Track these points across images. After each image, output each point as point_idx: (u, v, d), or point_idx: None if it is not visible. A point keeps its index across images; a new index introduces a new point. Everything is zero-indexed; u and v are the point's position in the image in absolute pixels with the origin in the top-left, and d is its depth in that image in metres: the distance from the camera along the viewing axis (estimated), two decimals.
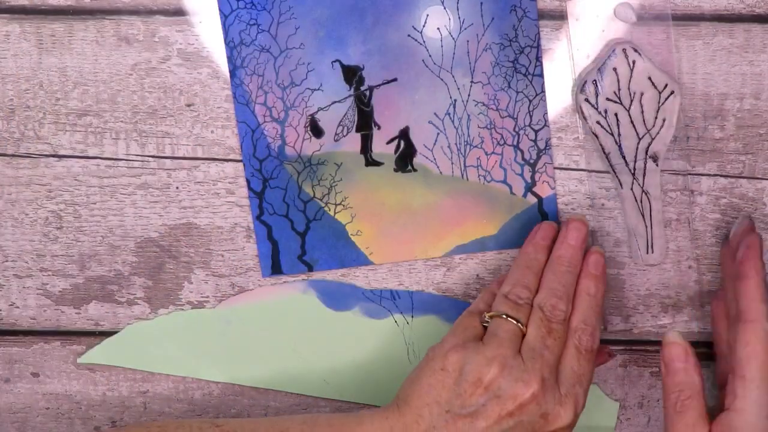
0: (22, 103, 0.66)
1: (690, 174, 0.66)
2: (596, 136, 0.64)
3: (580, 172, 0.66)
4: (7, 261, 0.68)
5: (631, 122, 0.64)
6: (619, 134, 0.64)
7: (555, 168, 0.66)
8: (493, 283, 0.66)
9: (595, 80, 0.63)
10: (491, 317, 0.61)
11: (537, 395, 0.58)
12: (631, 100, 0.63)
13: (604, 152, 0.64)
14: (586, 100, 0.63)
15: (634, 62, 0.63)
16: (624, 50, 0.63)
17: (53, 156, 0.66)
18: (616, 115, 0.64)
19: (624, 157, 0.64)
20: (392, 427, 0.60)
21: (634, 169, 0.64)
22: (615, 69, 0.63)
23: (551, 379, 0.59)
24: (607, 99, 0.63)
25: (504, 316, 0.61)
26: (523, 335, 0.60)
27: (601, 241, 0.67)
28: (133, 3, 0.64)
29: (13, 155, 0.67)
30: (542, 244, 0.64)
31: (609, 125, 0.64)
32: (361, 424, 0.60)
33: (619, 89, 0.63)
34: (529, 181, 0.66)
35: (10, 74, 0.65)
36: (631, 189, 0.65)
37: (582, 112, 0.64)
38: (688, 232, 0.66)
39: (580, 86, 0.64)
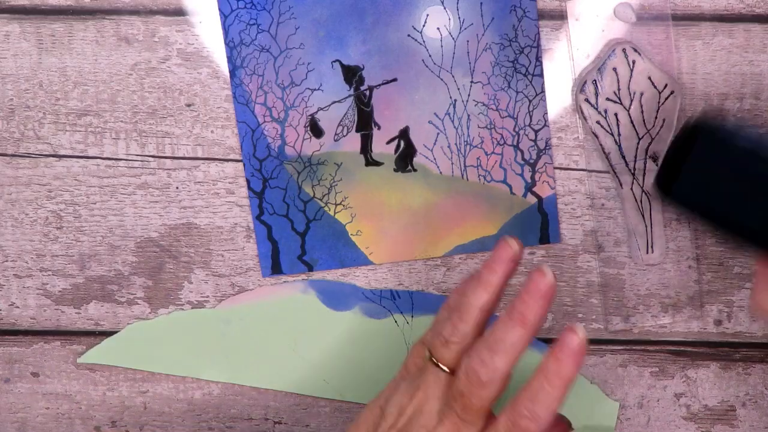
0: (22, 103, 0.66)
1: None
2: (596, 136, 0.64)
3: (580, 172, 0.66)
4: (7, 261, 0.68)
5: (631, 122, 0.64)
6: (619, 134, 0.64)
7: (555, 168, 0.66)
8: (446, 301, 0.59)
9: (594, 80, 0.63)
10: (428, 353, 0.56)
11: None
12: (631, 100, 0.63)
13: (604, 152, 0.64)
14: (586, 100, 0.63)
15: (633, 62, 0.63)
16: (624, 50, 0.63)
17: (53, 156, 0.66)
18: (616, 115, 0.64)
19: (624, 157, 0.64)
20: None
21: (634, 169, 0.64)
22: (615, 69, 0.63)
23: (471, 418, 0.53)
24: (607, 99, 0.63)
25: (428, 354, 0.56)
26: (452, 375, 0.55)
27: (601, 241, 0.67)
28: (133, 3, 0.64)
29: (13, 155, 0.67)
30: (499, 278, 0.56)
31: (609, 125, 0.64)
32: None
33: (618, 89, 0.63)
34: (529, 181, 0.66)
35: (10, 74, 0.65)
36: (631, 189, 0.65)
37: (582, 112, 0.64)
38: (688, 232, 0.66)
39: (579, 86, 0.64)
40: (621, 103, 0.63)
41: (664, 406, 0.69)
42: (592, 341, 0.69)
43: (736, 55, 0.64)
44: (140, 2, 0.64)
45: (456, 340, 0.54)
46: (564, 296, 0.68)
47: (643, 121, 0.64)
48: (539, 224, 0.66)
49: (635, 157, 0.64)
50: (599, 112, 0.64)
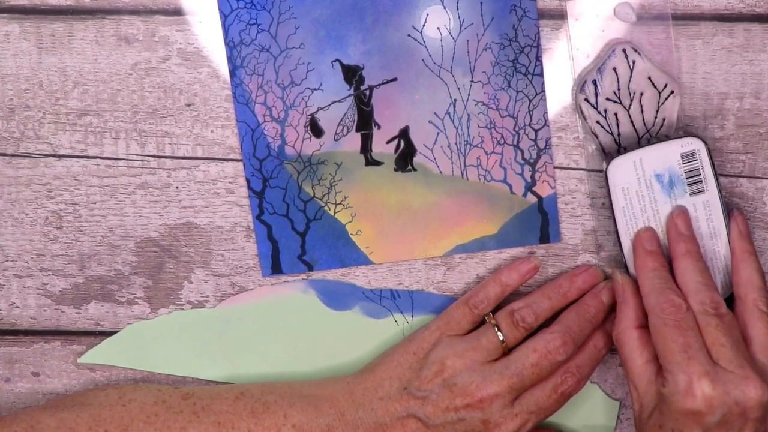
0: (22, 103, 0.66)
1: None
2: (596, 135, 0.64)
3: (580, 172, 0.66)
4: (7, 261, 0.68)
5: (631, 122, 0.64)
6: (619, 134, 0.64)
7: (555, 167, 0.66)
8: (490, 277, 0.66)
9: (594, 80, 0.63)
10: (485, 319, 0.65)
11: (484, 401, 0.62)
12: (631, 100, 0.63)
13: (604, 152, 0.64)
14: (586, 99, 0.63)
15: (633, 62, 0.63)
16: (624, 50, 0.62)
17: (53, 156, 0.66)
18: (615, 114, 0.64)
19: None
20: (352, 391, 0.64)
21: None
22: (615, 69, 0.63)
23: (509, 395, 0.62)
24: (607, 99, 0.63)
25: (496, 329, 0.64)
26: (504, 352, 0.64)
27: (601, 240, 0.67)
28: (133, 3, 0.64)
29: (13, 155, 0.67)
30: (581, 287, 0.66)
31: (609, 125, 0.64)
32: (322, 386, 0.65)
33: (618, 89, 0.63)
34: (529, 180, 0.66)
35: (10, 74, 0.65)
36: None
37: (582, 112, 0.64)
38: None
39: (579, 86, 0.64)
40: (621, 103, 0.63)
41: None
42: None
43: (736, 54, 0.64)
44: (140, 2, 0.64)
45: (527, 327, 0.64)
46: None
47: (643, 120, 0.64)
48: (539, 224, 0.66)
49: None
50: (599, 112, 0.64)
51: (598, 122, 0.64)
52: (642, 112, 0.64)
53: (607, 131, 0.64)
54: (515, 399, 0.63)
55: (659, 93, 0.63)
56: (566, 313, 0.65)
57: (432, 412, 0.62)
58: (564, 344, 0.63)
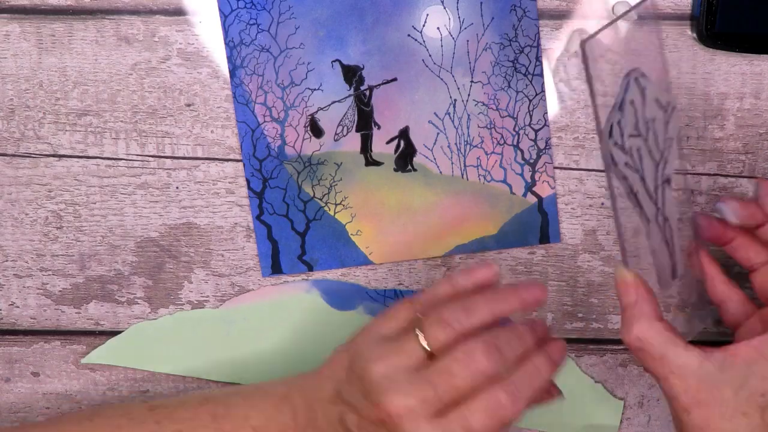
0: (22, 103, 0.66)
1: (690, 174, 0.66)
2: (626, 178, 0.61)
3: (580, 172, 0.66)
4: (7, 261, 0.68)
5: (649, 151, 0.62)
6: (642, 168, 0.61)
7: (555, 167, 0.66)
8: (444, 277, 0.64)
9: (618, 120, 0.60)
10: (416, 322, 0.56)
11: (395, 416, 0.53)
12: (648, 129, 0.61)
13: (632, 192, 0.61)
14: (615, 144, 0.60)
15: (644, 89, 0.61)
16: (636, 80, 0.60)
17: (53, 156, 0.66)
18: (638, 150, 0.61)
19: (647, 190, 0.61)
20: (303, 388, 0.59)
21: (657, 198, 0.61)
22: (632, 102, 0.60)
23: (422, 409, 0.53)
24: (630, 135, 0.61)
25: (417, 331, 0.55)
26: (430, 358, 0.55)
27: (601, 240, 0.67)
28: (133, 3, 0.64)
29: (13, 155, 0.67)
30: (524, 298, 0.57)
31: (634, 162, 0.62)
32: (285, 384, 0.60)
33: (637, 121, 0.61)
34: (529, 180, 0.66)
35: (10, 74, 0.65)
36: (656, 220, 0.62)
37: (613, 159, 0.60)
38: (689, 232, 0.66)
39: (608, 133, 0.60)
40: (641, 135, 0.61)
41: (665, 406, 0.69)
42: (593, 341, 0.69)
43: (736, 54, 0.64)
44: (140, 2, 0.64)
45: (455, 330, 0.54)
46: (564, 296, 0.68)
47: (658, 145, 0.62)
48: (539, 224, 0.66)
49: (655, 186, 0.62)
50: (626, 153, 0.61)
51: (626, 164, 0.61)
52: (657, 138, 0.62)
53: (633, 170, 0.61)
54: (440, 415, 0.53)
55: (665, 113, 0.62)
56: (494, 327, 0.56)
57: (357, 421, 0.55)
58: (487, 351, 0.53)
